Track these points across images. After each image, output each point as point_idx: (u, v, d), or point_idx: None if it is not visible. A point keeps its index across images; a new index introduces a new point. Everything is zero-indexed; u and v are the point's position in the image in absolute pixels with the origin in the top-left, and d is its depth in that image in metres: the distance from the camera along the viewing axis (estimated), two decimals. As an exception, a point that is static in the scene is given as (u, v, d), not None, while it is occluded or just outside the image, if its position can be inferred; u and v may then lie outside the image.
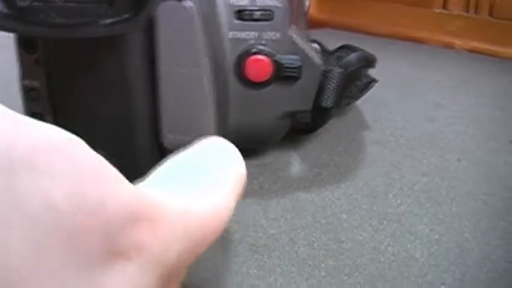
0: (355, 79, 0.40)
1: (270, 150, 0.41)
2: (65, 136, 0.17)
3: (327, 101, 0.37)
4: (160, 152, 0.35)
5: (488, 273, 0.30)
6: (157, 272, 0.17)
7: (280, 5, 0.34)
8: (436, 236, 0.32)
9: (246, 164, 0.38)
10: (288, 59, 0.34)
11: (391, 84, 0.52)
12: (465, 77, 0.56)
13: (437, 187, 0.37)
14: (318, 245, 0.31)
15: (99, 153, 0.19)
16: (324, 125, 0.41)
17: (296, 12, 0.36)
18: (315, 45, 0.45)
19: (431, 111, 0.48)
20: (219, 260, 0.30)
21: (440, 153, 0.41)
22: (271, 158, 0.40)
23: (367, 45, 0.44)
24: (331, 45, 0.45)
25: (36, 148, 0.15)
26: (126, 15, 0.28)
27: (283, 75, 0.35)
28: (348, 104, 0.44)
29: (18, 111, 0.16)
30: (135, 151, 0.34)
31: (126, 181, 0.17)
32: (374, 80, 0.43)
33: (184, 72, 0.33)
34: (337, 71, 0.37)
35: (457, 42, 0.65)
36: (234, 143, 0.37)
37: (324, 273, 0.29)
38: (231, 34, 0.34)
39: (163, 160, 0.34)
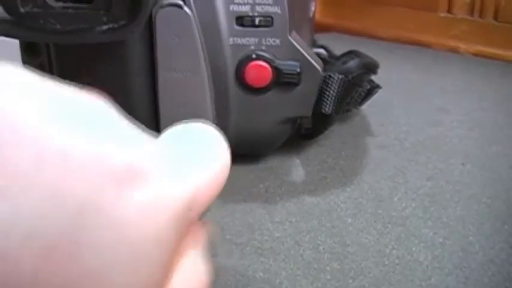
0: (355, 85, 0.40)
1: (274, 154, 0.41)
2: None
3: (327, 107, 0.37)
4: None
5: (492, 276, 0.30)
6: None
7: (280, 12, 0.34)
8: (440, 240, 0.32)
9: (250, 168, 0.39)
10: (288, 65, 0.35)
11: (395, 88, 0.52)
12: (469, 81, 0.56)
13: (442, 191, 0.37)
14: (323, 248, 0.32)
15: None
16: (325, 131, 0.41)
17: (298, 17, 0.37)
18: (321, 51, 0.46)
19: (436, 116, 0.48)
20: (224, 263, 0.31)
21: (444, 157, 0.41)
22: (276, 162, 0.40)
23: (372, 50, 0.45)
24: (337, 50, 0.45)
25: None
26: (122, 22, 0.29)
27: (282, 81, 0.35)
28: (350, 110, 0.44)
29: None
30: None
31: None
32: (378, 86, 0.43)
33: (183, 78, 0.33)
34: (337, 77, 0.37)
35: (462, 46, 0.65)
36: (235, 148, 0.38)
37: (329, 276, 0.30)
38: (231, 40, 0.34)
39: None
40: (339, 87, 0.37)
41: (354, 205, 0.36)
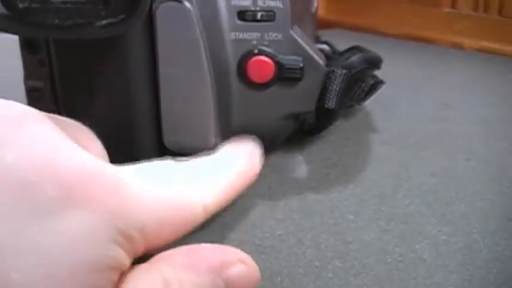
0: (359, 81, 0.40)
1: (277, 151, 0.40)
2: (21, 111, 0.22)
3: (330, 102, 0.37)
4: (163, 154, 0.35)
5: (497, 274, 0.29)
6: (118, 227, 0.21)
7: (282, 6, 0.33)
8: (444, 237, 0.32)
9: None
10: (290, 59, 0.34)
11: (399, 84, 0.52)
12: (474, 77, 0.56)
13: (446, 187, 0.37)
14: (325, 246, 0.31)
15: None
16: (329, 126, 0.41)
17: (300, 12, 0.36)
18: (325, 46, 0.45)
19: (440, 111, 0.48)
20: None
21: (448, 153, 0.41)
22: (279, 159, 0.40)
23: (376, 46, 0.44)
24: (340, 46, 0.45)
25: None
26: (121, 16, 0.29)
27: (285, 76, 0.34)
28: (353, 105, 0.43)
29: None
30: (138, 152, 0.34)
31: (80, 151, 0.22)
32: (381, 82, 0.43)
33: (184, 74, 0.33)
34: (340, 72, 0.37)
35: (466, 41, 0.64)
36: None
37: (331, 275, 0.29)
38: (233, 35, 0.34)
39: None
40: (342, 82, 0.36)
41: (357, 202, 0.35)
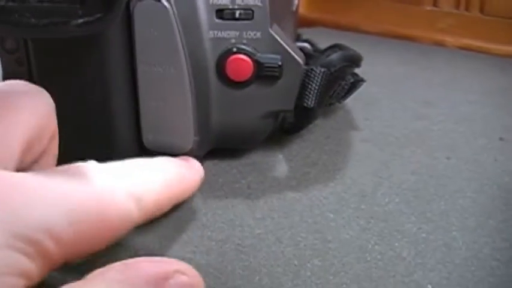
0: (338, 79, 0.40)
1: (257, 149, 0.40)
2: None
3: (310, 101, 0.37)
4: (142, 153, 0.35)
5: (475, 271, 0.29)
6: (12, 231, 0.20)
7: (260, 4, 0.33)
8: (424, 235, 0.32)
9: (233, 163, 0.39)
10: (269, 58, 0.34)
11: (380, 82, 0.52)
12: (455, 75, 0.56)
13: (426, 185, 0.37)
14: (305, 245, 0.31)
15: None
16: (308, 125, 0.41)
17: (280, 11, 0.36)
18: (306, 45, 0.45)
19: (421, 109, 0.48)
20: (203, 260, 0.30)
21: (429, 151, 0.41)
22: (258, 157, 0.40)
23: (358, 44, 0.44)
24: (322, 45, 0.44)
25: None
26: (98, 15, 0.28)
27: (264, 74, 0.34)
28: (333, 104, 0.43)
29: None
30: (117, 152, 0.34)
31: None
32: (362, 80, 0.43)
33: (163, 72, 0.33)
34: (319, 70, 0.37)
35: (448, 39, 0.64)
36: (217, 143, 0.37)
37: (309, 273, 0.29)
38: (211, 33, 0.34)
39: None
40: (321, 80, 0.36)
41: (337, 200, 0.35)
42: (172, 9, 0.32)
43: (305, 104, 0.36)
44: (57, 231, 0.22)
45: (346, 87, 0.40)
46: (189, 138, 0.34)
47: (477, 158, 0.40)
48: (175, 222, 0.33)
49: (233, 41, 0.34)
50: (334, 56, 0.38)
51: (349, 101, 0.45)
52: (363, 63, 0.43)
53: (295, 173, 0.38)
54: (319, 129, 0.44)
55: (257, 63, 0.34)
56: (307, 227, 0.33)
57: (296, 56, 0.35)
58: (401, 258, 0.30)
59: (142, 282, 0.22)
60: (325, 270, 0.29)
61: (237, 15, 0.33)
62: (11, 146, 0.24)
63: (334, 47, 0.42)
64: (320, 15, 0.71)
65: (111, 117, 0.33)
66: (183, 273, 0.23)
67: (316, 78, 0.36)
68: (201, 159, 0.37)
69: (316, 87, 0.36)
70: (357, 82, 0.42)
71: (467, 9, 0.64)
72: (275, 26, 0.34)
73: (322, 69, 0.36)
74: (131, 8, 0.32)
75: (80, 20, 0.29)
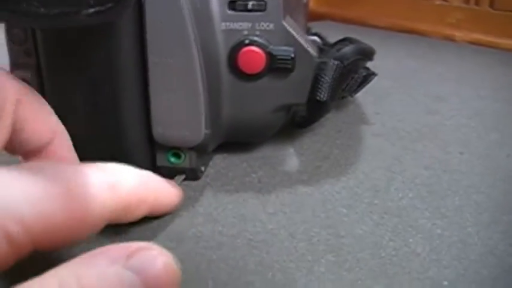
0: (351, 72, 0.39)
1: (268, 143, 0.40)
2: None
3: (322, 94, 0.36)
4: (151, 145, 0.34)
5: (491, 268, 0.29)
6: None
7: None
8: (438, 231, 0.32)
9: (243, 157, 0.38)
10: (282, 50, 0.34)
11: (391, 76, 0.51)
12: (465, 69, 0.55)
13: (439, 180, 0.36)
14: (318, 240, 0.31)
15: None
16: (320, 118, 0.40)
17: (292, 2, 0.36)
18: (315, 38, 0.45)
19: (432, 104, 0.47)
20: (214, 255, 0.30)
21: (442, 146, 0.41)
22: (269, 151, 0.39)
23: (367, 38, 0.44)
24: (331, 39, 0.44)
25: None
26: (109, 5, 0.28)
27: (276, 67, 0.34)
28: (345, 97, 0.43)
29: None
30: (126, 145, 0.33)
31: None
32: (373, 74, 0.42)
33: (174, 65, 0.32)
34: (332, 63, 0.36)
35: (458, 34, 0.64)
36: (227, 137, 0.37)
37: (323, 269, 0.29)
38: (223, 25, 0.33)
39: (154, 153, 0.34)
40: (334, 73, 0.36)
41: (349, 195, 0.35)
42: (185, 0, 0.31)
43: (318, 98, 0.36)
44: (26, 219, 0.22)
45: (358, 80, 0.40)
46: (200, 131, 0.33)
47: (490, 153, 0.40)
48: (185, 216, 0.32)
49: (245, 32, 0.33)
50: (348, 49, 0.38)
51: (360, 94, 0.44)
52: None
53: (306, 167, 0.38)
54: (330, 123, 0.43)
55: (270, 56, 0.33)
56: (320, 222, 0.32)
57: (309, 49, 0.34)
58: (416, 254, 0.30)
59: (107, 260, 0.21)
60: (339, 266, 0.29)
61: (249, 6, 0.33)
62: None
63: (345, 41, 0.41)
64: (328, 9, 0.71)
65: (121, 110, 0.33)
66: (148, 249, 0.22)
67: (329, 71, 0.36)
68: (210, 153, 0.37)
69: (329, 80, 0.36)
70: (369, 76, 0.41)
71: (477, 3, 0.63)
72: (288, 18, 0.34)
73: (336, 62, 0.36)
74: (143, -1, 0.31)
75: (91, 10, 0.28)
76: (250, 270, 0.28)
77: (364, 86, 0.41)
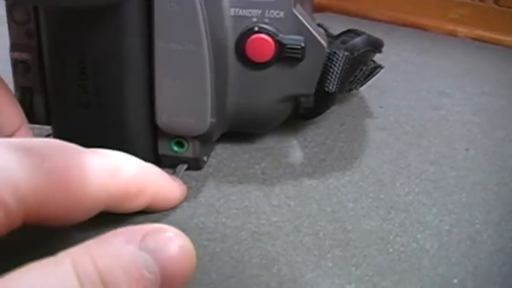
0: (361, 64, 0.38)
1: (270, 134, 0.39)
2: None
3: (331, 85, 0.35)
4: (154, 133, 0.33)
5: (502, 266, 0.28)
6: None
7: None
8: (447, 227, 0.31)
9: (245, 147, 0.37)
10: (292, 39, 0.33)
11: (394, 70, 0.51)
12: (469, 65, 0.55)
13: (446, 176, 0.36)
14: (324, 234, 0.30)
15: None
16: (326, 110, 0.39)
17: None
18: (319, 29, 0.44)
19: (436, 99, 0.47)
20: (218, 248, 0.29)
21: (447, 141, 0.40)
22: (272, 143, 0.39)
23: (369, 31, 0.43)
24: (332, 31, 0.43)
25: None
26: None
27: (285, 56, 0.33)
28: (352, 89, 0.42)
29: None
30: (128, 130, 0.32)
31: None
32: (380, 66, 0.42)
33: (181, 49, 0.31)
34: (342, 54, 0.35)
35: (461, 30, 0.63)
36: (231, 126, 0.36)
37: (330, 264, 0.28)
38: (232, 11, 0.32)
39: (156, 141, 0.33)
40: (344, 64, 0.35)
41: (355, 189, 0.34)
42: None
43: (326, 89, 0.35)
44: (21, 189, 0.22)
45: (366, 72, 0.39)
46: (206, 119, 0.32)
47: (496, 150, 0.39)
48: (186, 206, 0.32)
49: (255, 19, 0.32)
50: (358, 40, 0.37)
51: (363, 88, 0.44)
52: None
53: (310, 159, 0.37)
54: (334, 115, 0.42)
55: (279, 44, 0.32)
56: (326, 215, 0.31)
57: (320, 38, 0.33)
58: (425, 250, 0.29)
59: (122, 239, 0.21)
60: (346, 262, 0.28)
61: None
62: None
63: (349, 32, 0.40)
64: (329, 1, 0.70)
65: (124, 95, 0.32)
66: (165, 231, 0.22)
67: (339, 62, 0.35)
68: (213, 143, 0.36)
69: (339, 72, 0.35)
70: (375, 68, 0.41)
71: (481, -1, 0.62)
72: (298, 6, 0.33)
73: (346, 53, 0.35)
74: (151, -20, 0.30)
75: None
76: (255, 264, 0.28)
77: (370, 78, 0.41)
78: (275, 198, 0.33)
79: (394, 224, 0.31)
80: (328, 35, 0.44)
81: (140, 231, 0.21)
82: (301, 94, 0.35)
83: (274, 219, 0.31)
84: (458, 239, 0.30)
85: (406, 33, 0.63)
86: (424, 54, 0.57)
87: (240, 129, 0.37)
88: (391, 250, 0.29)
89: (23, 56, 0.33)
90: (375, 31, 0.43)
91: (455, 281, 0.27)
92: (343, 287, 0.27)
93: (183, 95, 0.32)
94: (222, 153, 0.37)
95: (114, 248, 0.20)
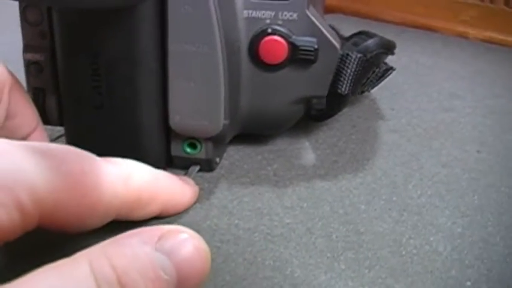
0: (373, 66, 0.38)
1: (282, 136, 0.39)
2: None
3: (344, 87, 0.35)
4: (167, 134, 0.34)
5: (515, 269, 0.28)
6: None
7: None
8: (459, 230, 0.31)
9: (258, 149, 0.37)
10: (305, 41, 0.33)
11: (405, 72, 0.51)
12: (480, 67, 0.55)
13: (458, 179, 0.36)
14: (337, 236, 0.30)
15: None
16: (338, 112, 0.39)
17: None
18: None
19: (447, 101, 0.47)
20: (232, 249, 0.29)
21: (458, 144, 0.40)
22: (284, 144, 0.39)
23: (379, 32, 0.43)
24: (343, 32, 0.43)
25: None
26: None
27: (298, 57, 0.33)
28: (364, 91, 0.42)
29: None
30: (141, 132, 0.33)
31: None
32: (392, 68, 0.42)
33: (195, 51, 0.31)
34: (355, 56, 0.35)
35: (471, 31, 0.63)
36: (243, 129, 0.36)
37: (343, 266, 0.28)
38: (246, 13, 0.32)
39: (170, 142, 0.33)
40: (357, 66, 0.35)
41: (368, 191, 0.34)
42: None
43: (339, 91, 0.35)
44: (38, 191, 0.22)
45: (379, 74, 0.39)
46: (219, 121, 0.32)
47: (507, 153, 0.39)
48: (199, 208, 0.32)
49: (268, 21, 0.32)
50: (370, 42, 0.37)
51: (375, 90, 0.44)
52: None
53: (322, 161, 0.37)
54: (345, 117, 0.42)
55: (292, 46, 0.32)
56: (339, 218, 0.32)
57: (333, 40, 0.33)
58: (438, 253, 0.29)
59: (138, 240, 0.21)
60: (359, 264, 0.28)
61: None
62: None
63: (361, 34, 0.40)
64: (339, 2, 0.70)
65: (137, 96, 0.32)
66: (182, 232, 0.22)
67: (351, 63, 0.35)
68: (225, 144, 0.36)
69: (352, 73, 0.35)
70: (387, 70, 0.41)
71: (492, 1, 0.62)
72: (311, 8, 0.33)
73: (359, 55, 0.35)
74: (165, -18, 0.30)
75: None
76: (268, 266, 0.28)
77: (382, 80, 0.41)
78: (288, 200, 0.33)
79: (407, 226, 0.31)
80: (339, 36, 0.44)
81: (156, 232, 0.22)
82: (314, 96, 0.35)
83: (287, 221, 0.31)
84: (471, 241, 0.30)
85: (417, 35, 0.63)
86: (435, 56, 0.57)
87: (253, 131, 0.37)
88: (404, 252, 0.29)
89: (36, 57, 0.33)
90: (386, 33, 0.43)
91: (469, 283, 0.27)
92: (356, 289, 0.27)
93: (197, 96, 0.32)
94: (235, 155, 0.37)
95: (131, 248, 0.20)
